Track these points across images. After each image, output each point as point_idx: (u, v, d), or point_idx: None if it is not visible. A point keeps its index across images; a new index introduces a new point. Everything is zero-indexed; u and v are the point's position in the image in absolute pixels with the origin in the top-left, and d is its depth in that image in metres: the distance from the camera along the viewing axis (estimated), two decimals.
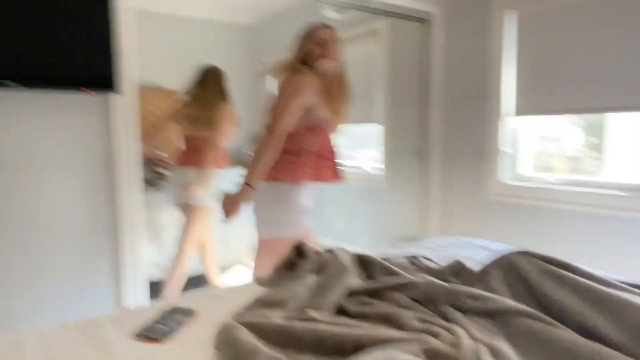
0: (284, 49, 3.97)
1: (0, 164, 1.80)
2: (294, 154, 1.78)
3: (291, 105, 1.70)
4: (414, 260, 1.41)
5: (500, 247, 1.73)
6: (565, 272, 1.09)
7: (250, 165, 1.69)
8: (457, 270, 1.26)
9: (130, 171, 2.10)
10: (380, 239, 3.88)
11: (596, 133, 2.68)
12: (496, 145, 2.97)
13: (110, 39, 1.78)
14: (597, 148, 2.67)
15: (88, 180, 2.00)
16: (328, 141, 1.90)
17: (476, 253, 1.63)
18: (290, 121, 1.72)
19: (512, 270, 1.15)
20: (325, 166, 1.88)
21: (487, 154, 3.03)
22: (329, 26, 1.88)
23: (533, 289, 1.08)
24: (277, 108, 1.71)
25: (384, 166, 3.87)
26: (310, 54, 1.80)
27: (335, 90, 1.86)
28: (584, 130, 2.73)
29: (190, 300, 1.23)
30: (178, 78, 4.79)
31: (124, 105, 2.02)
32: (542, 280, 1.07)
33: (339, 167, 1.92)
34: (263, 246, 1.85)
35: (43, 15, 1.63)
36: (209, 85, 2.81)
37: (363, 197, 4.07)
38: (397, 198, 3.75)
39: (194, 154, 2.77)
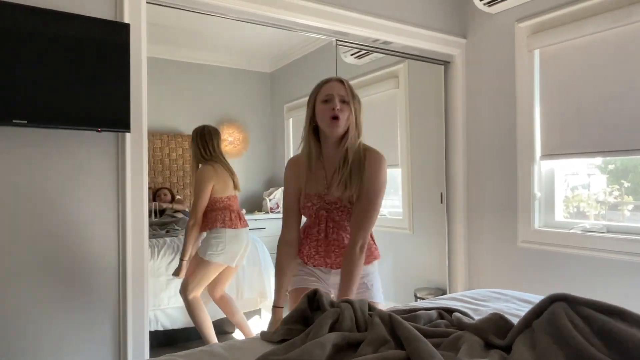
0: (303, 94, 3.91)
1: (13, 201, 1.73)
2: None
3: (284, 198, 1.68)
4: (444, 315, 1.23)
5: (539, 299, 1.53)
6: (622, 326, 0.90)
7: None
8: (499, 326, 1.07)
9: (138, 212, 2.01)
10: (402, 289, 3.65)
11: (630, 176, 2.49)
12: (527, 190, 2.80)
13: (126, 85, 1.88)
14: (632, 192, 2.47)
15: (97, 219, 1.92)
16: (319, 223, 1.60)
17: (514, 306, 1.43)
18: (286, 218, 1.65)
19: (556, 321, 0.96)
20: (310, 248, 1.62)
21: (516, 198, 2.86)
22: (339, 79, 1.60)
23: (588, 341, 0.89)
24: None
25: (404, 211, 3.70)
26: (319, 114, 1.54)
27: (329, 160, 1.60)
28: (617, 173, 2.55)
29: (186, 358, 1.07)
30: (200, 124, 4.89)
31: (136, 143, 2.00)
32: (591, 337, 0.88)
33: (325, 255, 1.59)
34: None
35: (67, 65, 1.77)
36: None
37: (383, 244, 3.87)
38: (419, 245, 3.55)
39: (233, 213, 2.83)
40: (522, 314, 1.35)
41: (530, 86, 2.78)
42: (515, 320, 1.18)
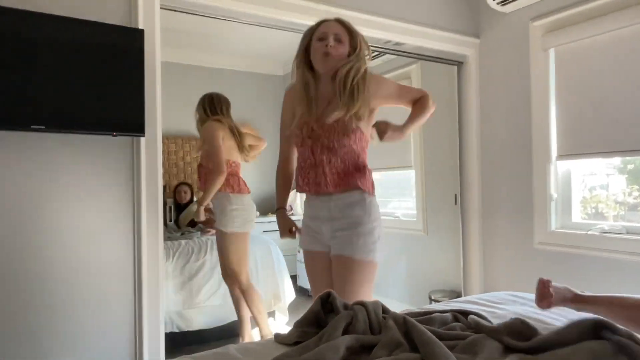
0: None
1: (31, 204, 1.77)
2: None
3: (280, 130, 1.79)
4: (459, 317, 1.21)
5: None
6: None
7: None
8: (521, 330, 1.05)
9: (153, 213, 2.03)
10: (416, 291, 3.62)
11: None
12: (543, 191, 2.76)
13: (141, 90, 1.90)
14: None
15: (113, 223, 1.95)
16: (306, 149, 1.61)
17: (532, 309, 1.41)
18: (283, 146, 1.79)
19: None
20: (302, 177, 1.64)
21: (532, 199, 2.81)
22: (336, 18, 1.64)
23: None
24: None
25: (418, 213, 3.67)
26: (312, 51, 1.58)
27: (324, 89, 1.61)
28: (636, 173, 2.50)
29: None
30: None
31: (150, 147, 2.02)
32: None
33: (315, 179, 1.58)
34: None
35: (84, 70, 1.79)
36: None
37: (397, 246, 3.86)
38: (433, 247, 3.52)
39: (240, 179, 2.79)
40: (541, 317, 1.33)
41: (545, 86, 2.74)
42: (535, 324, 1.14)
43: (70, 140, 1.87)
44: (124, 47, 1.87)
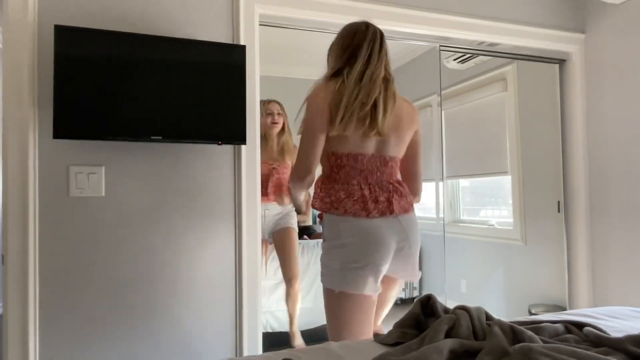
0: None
1: (152, 200, 1.98)
2: None
3: None
4: (572, 329, 1.13)
5: None
6: None
7: None
8: None
9: (252, 216, 2.16)
10: (515, 305, 3.41)
11: None
12: None
13: (243, 102, 2.04)
14: None
15: (216, 223, 2.12)
16: None
17: None
18: None
19: None
20: None
21: None
22: None
23: None
24: None
25: (514, 221, 3.47)
26: None
27: None
28: None
29: (304, 355, 1.12)
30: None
31: (250, 153, 2.17)
32: None
33: None
34: None
35: (194, 86, 1.97)
36: None
37: (492, 255, 3.67)
38: (533, 257, 3.30)
39: None
40: None
41: None
42: None
43: (181, 149, 2.06)
44: (228, 62, 2.02)
